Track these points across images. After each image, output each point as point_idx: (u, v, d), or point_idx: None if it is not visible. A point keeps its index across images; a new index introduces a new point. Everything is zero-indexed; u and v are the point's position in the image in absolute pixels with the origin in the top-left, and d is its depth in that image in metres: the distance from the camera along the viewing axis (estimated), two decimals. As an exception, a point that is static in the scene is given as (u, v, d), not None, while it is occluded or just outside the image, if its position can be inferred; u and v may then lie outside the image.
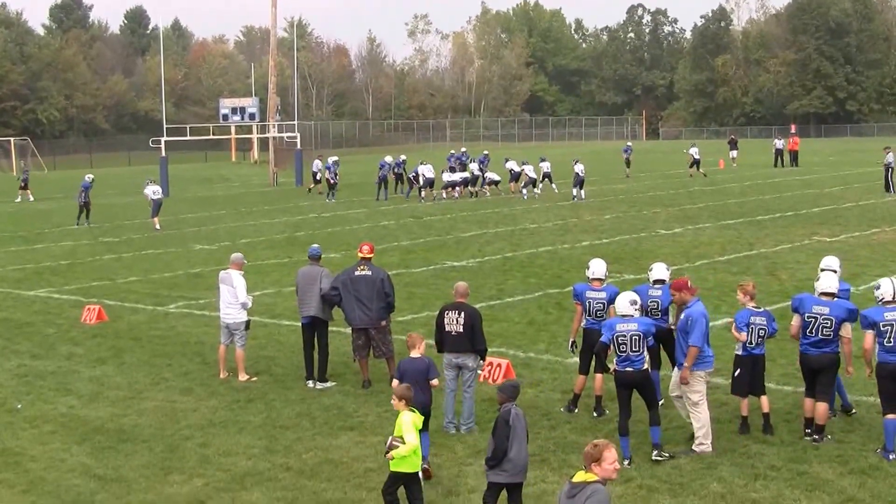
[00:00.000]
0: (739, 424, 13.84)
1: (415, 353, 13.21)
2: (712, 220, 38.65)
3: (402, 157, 58.79)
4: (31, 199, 59.68)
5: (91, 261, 32.67)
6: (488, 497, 10.94)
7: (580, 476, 7.83)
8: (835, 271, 14.34)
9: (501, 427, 10.63)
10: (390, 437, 10.99)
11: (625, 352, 12.90)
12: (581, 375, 15.03)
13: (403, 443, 10.80)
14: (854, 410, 14.49)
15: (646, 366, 13.01)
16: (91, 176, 46.74)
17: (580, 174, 48.36)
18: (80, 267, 31.38)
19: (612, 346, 13.00)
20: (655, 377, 14.58)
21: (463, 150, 66.11)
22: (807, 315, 13.50)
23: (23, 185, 60.88)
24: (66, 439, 14.52)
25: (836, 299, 13.54)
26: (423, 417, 11.21)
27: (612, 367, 13.23)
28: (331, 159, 56.41)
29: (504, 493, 10.87)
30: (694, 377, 13.27)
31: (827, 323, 13.34)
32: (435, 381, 13.09)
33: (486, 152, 63.41)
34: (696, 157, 62.32)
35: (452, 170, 55.44)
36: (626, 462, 12.54)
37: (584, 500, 7.67)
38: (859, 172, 62.05)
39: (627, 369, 12.93)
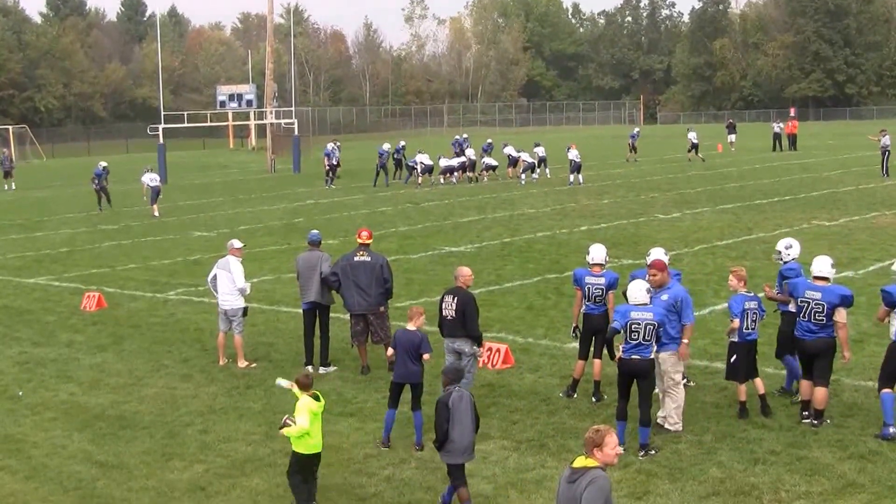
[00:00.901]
0: (738, 410, 13.86)
1: (410, 326, 13.42)
2: (710, 204, 38.64)
3: (402, 142, 58.85)
4: (6, 188, 59.85)
5: (90, 248, 32.71)
6: (454, 479, 11.18)
7: (581, 461, 7.85)
8: (785, 249, 14.72)
9: (441, 410, 10.98)
10: (286, 416, 11.37)
11: (636, 339, 12.74)
12: (580, 361, 15.05)
13: (294, 423, 11.15)
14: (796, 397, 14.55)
15: (652, 355, 12.97)
16: (104, 163, 46.69)
17: (576, 160, 48.43)
18: (80, 254, 31.42)
19: (622, 332, 12.97)
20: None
21: (465, 136, 66.02)
22: (799, 300, 13.53)
23: (7, 173, 61.07)
24: (68, 426, 14.58)
25: (829, 284, 13.53)
26: (321, 403, 11.38)
27: (618, 353, 13.21)
28: (329, 145, 56.37)
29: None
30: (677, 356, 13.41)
31: (819, 308, 13.33)
32: (427, 356, 13.30)
33: (489, 140, 63.45)
34: (695, 141, 62.30)
35: (457, 155, 55.48)
36: (621, 447, 12.50)
37: (584, 485, 7.68)
38: (858, 156, 61.98)
39: (634, 357, 12.79)
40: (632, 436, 12.88)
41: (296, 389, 11.46)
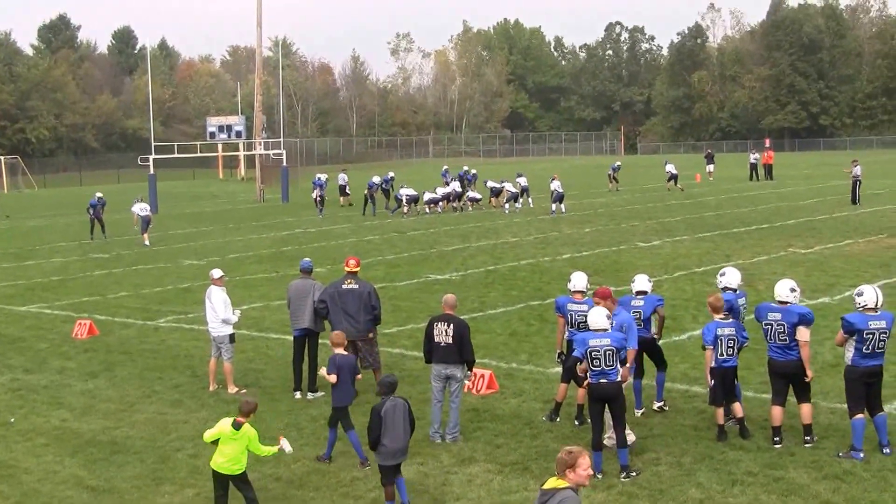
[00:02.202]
0: (717, 432, 13.92)
1: (341, 350, 14.13)
2: (690, 232, 38.78)
3: (391, 173, 59.22)
4: None
5: (82, 276, 32.64)
6: (382, 478, 11.93)
7: (551, 483, 7.85)
8: (719, 276, 15.19)
9: (373, 418, 11.84)
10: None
11: (598, 366, 12.81)
12: (563, 384, 15.08)
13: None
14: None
15: (619, 378, 13.04)
16: (100, 194, 46.76)
17: (558, 190, 48.76)
18: (71, 283, 31.36)
19: (585, 360, 13.02)
20: (637, 386, 14.82)
21: (471, 170, 66.45)
22: (764, 322, 13.65)
23: None
24: (59, 452, 14.53)
25: (789, 305, 13.66)
26: (239, 433, 11.55)
27: (585, 380, 13.25)
28: (322, 176, 56.60)
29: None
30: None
31: (780, 329, 13.47)
32: (359, 376, 14.34)
33: (474, 171, 63.89)
34: (674, 172, 62.57)
35: (453, 184, 56.23)
36: (598, 475, 12.56)
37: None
38: (833, 185, 62.35)
39: (601, 381, 12.86)
40: (614, 459, 12.91)
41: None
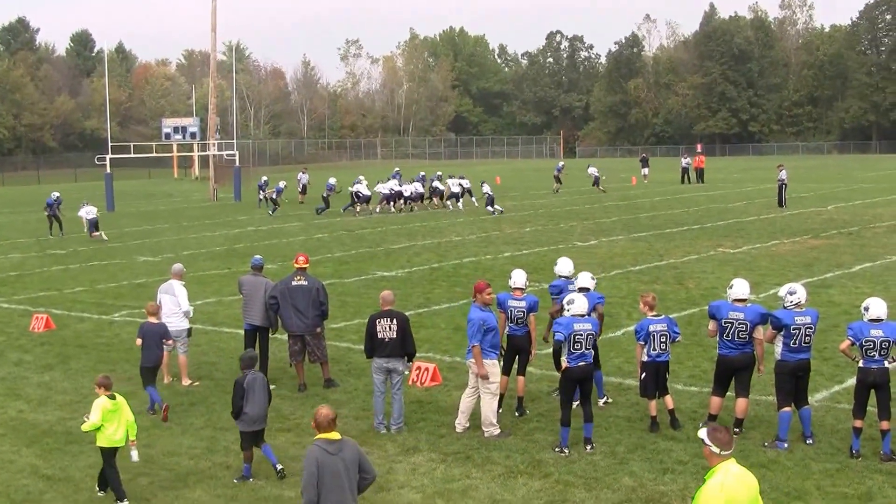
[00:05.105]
0: (649, 424, 14.03)
1: (153, 320, 15.71)
2: (625, 232, 39.01)
3: (361, 177, 59.21)
4: None
5: (39, 272, 32.24)
6: (243, 443, 12.74)
7: (334, 435, 8.93)
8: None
9: (237, 389, 12.62)
10: (84, 414, 12.40)
11: (579, 349, 13.21)
12: (503, 377, 15.10)
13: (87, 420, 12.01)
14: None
15: (591, 361, 13.54)
16: (57, 193, 46.30)
17: (489, 193, 49.46)
18: (29, 278, 30.96)
19: (565, 343, 13.23)
20: (598, 377, 14.95)
21: (440, 173, 66.58)
22: (723, 321, 13.73)
23: None
24: (16, 442, 14.36)
25: (749, 304, 13.84)
26: (117, 402, 12.04)
27: (563, 363, 13.35)
28: (281, 183, 56.54)
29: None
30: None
31: (742, 327, 13.59)
32: (170, 342, 15.87)
33: (422, 173, 64.15)
34: (596, 174, 63.28)
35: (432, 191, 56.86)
36: (566, 450, 13.07)
37: (352, 448, 9.03)
38: (760, 188, 63.05)
39: (580, 363, 13.25)
40: (545, 451, 12.96)
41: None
